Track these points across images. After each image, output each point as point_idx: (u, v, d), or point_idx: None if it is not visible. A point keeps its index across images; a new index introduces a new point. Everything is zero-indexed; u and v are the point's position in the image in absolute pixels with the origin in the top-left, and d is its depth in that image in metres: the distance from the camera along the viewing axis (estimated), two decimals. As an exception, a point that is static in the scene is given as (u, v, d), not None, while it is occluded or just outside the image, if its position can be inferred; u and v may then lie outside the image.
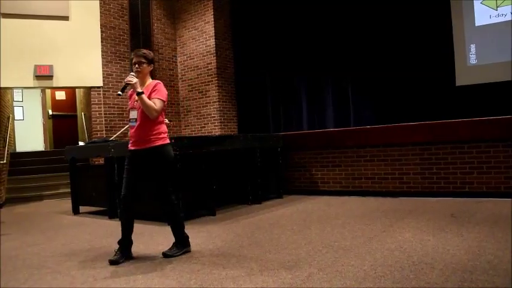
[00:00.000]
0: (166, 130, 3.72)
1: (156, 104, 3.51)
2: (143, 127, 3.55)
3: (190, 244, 3.79)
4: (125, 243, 3.61)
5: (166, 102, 3.65)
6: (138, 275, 3.14)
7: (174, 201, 3.69)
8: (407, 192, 6.30)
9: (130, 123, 3.65)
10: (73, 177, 6.69)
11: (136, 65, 3.59)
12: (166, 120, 3.85)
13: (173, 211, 3.69)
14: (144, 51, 3.68)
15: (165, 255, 3.61)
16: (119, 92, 3.61)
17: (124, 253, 3.57)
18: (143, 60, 3.61)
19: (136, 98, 3.52)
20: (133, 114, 3.60)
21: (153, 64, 3.76)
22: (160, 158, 3.59)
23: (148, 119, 3.53)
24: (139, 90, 3.47)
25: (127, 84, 3.52)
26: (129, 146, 3.67)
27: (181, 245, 3.72)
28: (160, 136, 3.60)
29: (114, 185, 5.74)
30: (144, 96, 3.47)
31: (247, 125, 9.88)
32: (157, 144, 3.56)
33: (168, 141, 3.66)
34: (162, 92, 3.60)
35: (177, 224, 3.72)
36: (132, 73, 3.55)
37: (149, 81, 3.67)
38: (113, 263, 3.44)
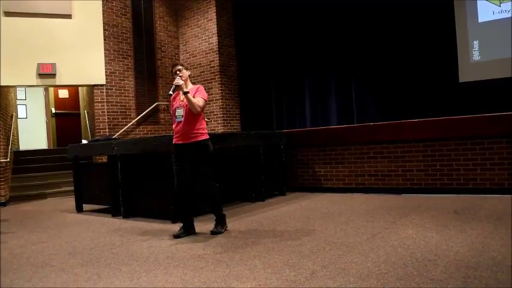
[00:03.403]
0: (205, 126, 4.37)
1: (199, 101, 4.14)
2: (188, 123, 4.17)
3: (195, 241, 3.89)
4: (187, 222, 4.33)
5: (206, 102, 4.34)
6: (141, 272, 3.15)
7: (215, 186, 4.33)
8: (410, 189, 6.29)
9: (176, 120, 4.25)
10: (76, 175, 6.70)
11: (178, 72, 4.20)
12: (206, 119, 4.53)
13: (213, 193, 4.34)
14: (179, 61, 4.48)
15: (213, 232, 4.26)
16: (170, 92, 4.18)
17: (186, 229, 4.29)
18: (180, 68, 4.23)
19: (182, 97, 4.17)
20: (180, 112, 4.22)
21: (189, 70, 4.49)
22: (203, 151, 4.21)
23: (192, 116, 4.15)
24: (185, 90, 4.10)
25: (176, 86, 4.12)
26: (175, 140, 4.27)
27: (222, 222, 4.41)
28: (203, 132, 4.25)
29: (118, 183, 5.76)
30: (190, 95, 4.08)
31: (250, 122, 9.85)
32: (200, 139, 4.20)
33: (208, 136, 4.29)
34: (204, 93, 4.27)
35: (216, 205, 4.40)
36: (178, 77, 4.16)
37: (190, 85, 4.33)
38: (176, 237, 4.19)
